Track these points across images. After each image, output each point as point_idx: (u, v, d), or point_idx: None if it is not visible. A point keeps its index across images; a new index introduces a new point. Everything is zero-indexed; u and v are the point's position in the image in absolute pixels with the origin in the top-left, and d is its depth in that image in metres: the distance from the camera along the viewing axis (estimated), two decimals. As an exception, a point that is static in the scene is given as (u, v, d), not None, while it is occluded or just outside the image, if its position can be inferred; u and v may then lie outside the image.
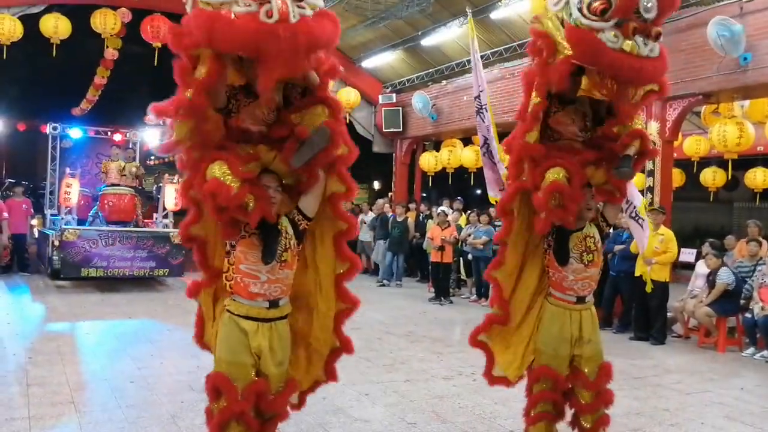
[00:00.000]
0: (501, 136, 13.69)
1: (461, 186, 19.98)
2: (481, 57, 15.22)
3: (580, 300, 4.48)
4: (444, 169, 18.13)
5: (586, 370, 4.42)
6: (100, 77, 19.15)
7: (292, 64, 3.13)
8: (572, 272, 4.40)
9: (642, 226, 7.91)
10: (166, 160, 29.77)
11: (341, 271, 3.90)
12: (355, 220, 3.97)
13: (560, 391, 4.49)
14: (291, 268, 3.60)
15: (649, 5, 3.73)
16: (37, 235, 15.19)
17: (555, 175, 4.07)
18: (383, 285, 14.44)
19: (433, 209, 14.94)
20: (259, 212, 3.33)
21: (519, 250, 4.54)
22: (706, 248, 10.00)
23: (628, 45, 3.71)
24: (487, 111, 9.83)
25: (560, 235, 4.34)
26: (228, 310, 3.58)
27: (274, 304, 3.57)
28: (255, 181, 3.40)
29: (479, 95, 10.40)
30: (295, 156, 3.35)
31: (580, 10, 3.81)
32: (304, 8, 3.09)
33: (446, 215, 13.03)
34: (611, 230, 4.62)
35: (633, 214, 7.92)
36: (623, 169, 4.20)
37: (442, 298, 12.48)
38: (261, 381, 3.54)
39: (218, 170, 3.24)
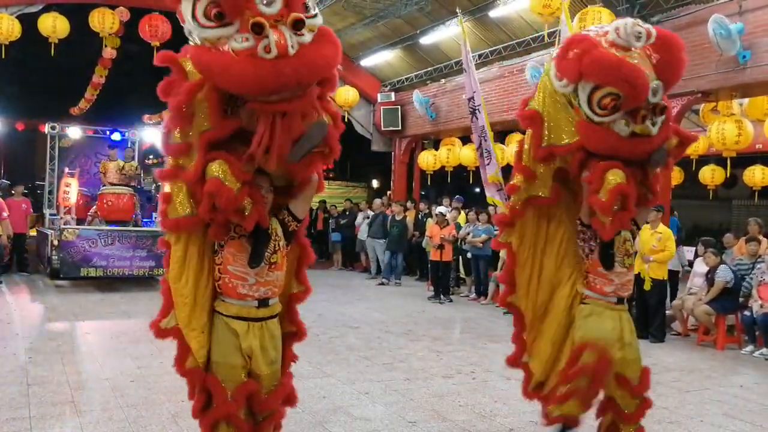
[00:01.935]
0: (497, 135, 13.83)
1: (460, 184, 19.99)
2: (480, 55, 15.35)
3: (620, 301, 4.47)
4: (443, 167, 18.12)
5: (629, 375, 4.31)
6: (99, 76, 19.15)
7: (296, 100, 3.03)
8: (617, 276, 4.36)
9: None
10: (164, 159, 29.92)
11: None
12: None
13: (602, 379, 4.29)
14: (281, 269, 3.56)
15: (656, 90, 3.77)
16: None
17: (617, 177, 3.91)
18: (382, 284, 14.44)
19: (433, 208, 14.94)
20: (255, 216, 3.27)
21: (527, 271, 4.54)
22: (701, 248, 10.02)
23: (638, 128, 3.82)
24: (481, 111, 9.86)
25: (604, 240, 4.23)
26: (217, 311, 3.52)
27: (263, 303, 3.52)
28: (252, 184, 3.31)
29: (473, 96, 10.43)
30: (292, 150, 3.22)
31: (590, 107, 3.87)
32: (302, 35, 2.96)
33: (444, 216, 13.03)
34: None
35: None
36: (656, 156, 4.09)
37: (442, 297, 12.48)
38: (251, 382, 3.49)
39: (218, 170, 3.12)
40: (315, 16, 3.07)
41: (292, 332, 3.87)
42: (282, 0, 2.96)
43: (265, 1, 2.94)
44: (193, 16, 3.01)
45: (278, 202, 3.58)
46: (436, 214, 13.12)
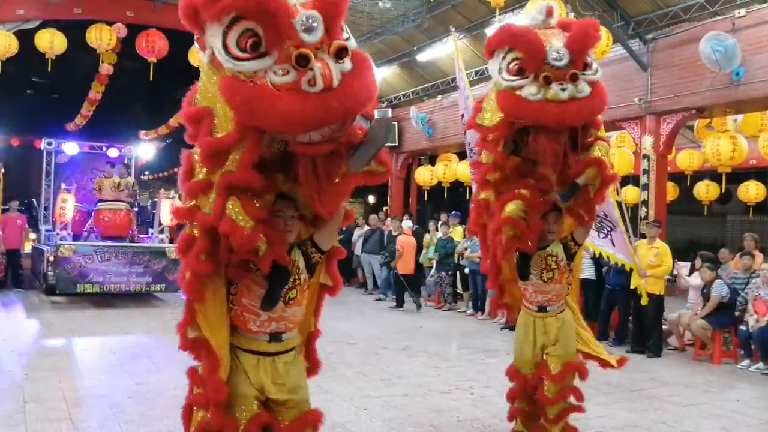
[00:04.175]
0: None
1: (457, 200, 20.07)
2: (476, 72, 15.43)
3: (541, 308, 4.88)
4: (440, 183, 18.19)
5: (551, 366, 4.81)
6: (95, 92, 19.17)
7: (338, 136, 2.80)
8: (532, 286, 4.83)
9: (618, 240, 8.19)
10: (161, 175, 29.91)
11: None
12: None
13: (526, 391, 4.95)
14: (299, 304, 3.34)
15: (557, 54, 4.11)
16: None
17: (513, 207, 4.47)
18: (379, 299, 14.43)
19: (430, 223, 15.01)
20: (271, 257, 3.01)
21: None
22: (698, 262, 10.06)
23: (549, 94, 4.08)
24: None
25: (522, 254, 4.69)
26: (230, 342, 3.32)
27: (275, 337, 3.32)
28: (270, 220, 3.05)
29: (464, 114, 10.50)
30: (354, 158, 2.90)
31: (500, 74, 4.32)
32: (343, 62, 2.66)
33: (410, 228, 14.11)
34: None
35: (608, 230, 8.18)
36: (564, 195, 4.62)
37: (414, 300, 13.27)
38: (264, 414, 3.31)
39: (230, 209, 2.85)
40: (349, 38, 2.80)
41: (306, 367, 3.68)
42: (323, 26, 2.64)
43: (306, 28, 2.60)
44: (225, 47, 2.65)
45: (301, 231, 3.36)
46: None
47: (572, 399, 4.92)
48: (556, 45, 4.13)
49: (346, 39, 2.75)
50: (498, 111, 4.50)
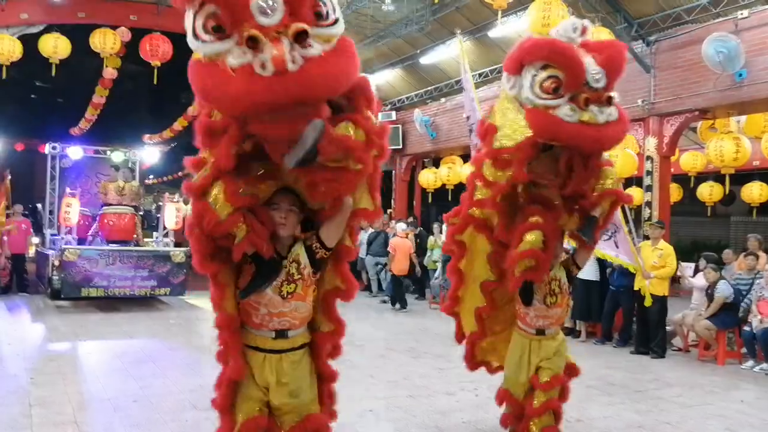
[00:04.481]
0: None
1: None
2: (480, 74, 15.45)
3: (540, 332, 4.78)
4: (444, 185, 18.21)
5: (540, 376, 4.72)
6: (99, 96, 19.19)
7: (293, 122, 2.71)
8: (534, 311, 4.72)
9: (621, 242, 8.20)
10: (165, 179, 29.96)
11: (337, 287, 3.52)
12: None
13: (518, 415, 4.85)
14: (302, 299, 3.25)
15: (597, 76, 3.94)
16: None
17: (533, 238, 4.28)
18: (384, 302, 14.44)
19: (434, 226, 15.05)
20: (245, 246, 3.01)
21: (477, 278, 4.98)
22: (702, 262, 10.05)
23: (585, 116, 3.90)
24: None
25: (528, 282, 4.54)
26: None
27: (281, 334, 3.27)
28: (259, 210, 3.07)
29: (470, 116, 10.51)
30: (287, 156, 2.82)
31: (533, 90, 4.05)
32: (308, 47, 2.58)
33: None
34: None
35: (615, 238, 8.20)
36: (586, 233, 4.55)
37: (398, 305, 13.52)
38: (262, 418, 3.29)
39: (212, 193, 2.93)
40: (333, 24, 2.73)
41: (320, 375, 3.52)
42: (284, 8, 2.60)
43: (263, 11, 2.57)
44: (193, 31, 2.69)
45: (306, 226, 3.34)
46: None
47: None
48: (592, 66, 3.97)
49: (331, 23, 2.73)
50: (519, 129, 4.26)
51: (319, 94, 2.67)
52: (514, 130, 4.33)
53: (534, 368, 4.75)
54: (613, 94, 4.03)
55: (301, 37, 2.55)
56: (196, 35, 2.69)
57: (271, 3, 2.58)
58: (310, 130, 2.75)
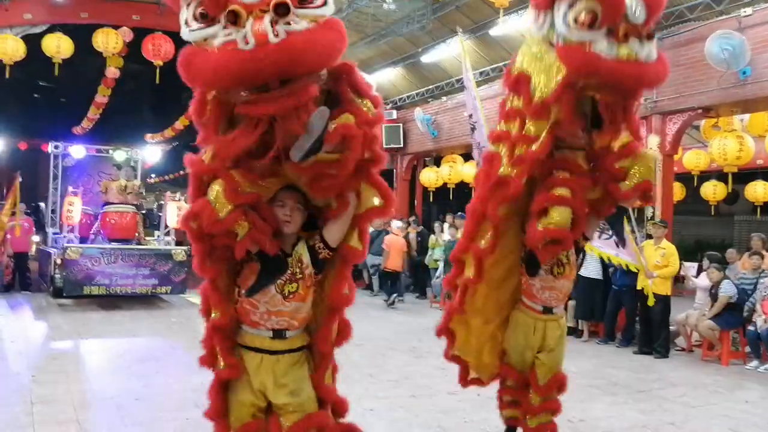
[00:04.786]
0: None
1: (462, 201, 19.97)
2: (481, 73, 15.42)
3: (547, 310, 4.59)
4: (445, 184, 18.19)
5: (539, 375, 4.57)
6: (102, 96, 19.24)
7: (284, 98, 2.69)
8: (540, 282, 4.50)
9: (626, 244, 8.15)
10: (167, 177, 29.97)
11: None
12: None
13: (524, 385, 4.69)
14: (303, 300, 3.18)
15: (636, 9, 3.56)
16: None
17: (560, 217, 3.96)
18: (386, 301, 14.42)
19: (435, 224, 15.05)
20: (247, 243, 2.98)
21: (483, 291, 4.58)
22: (706, 262, 10.03)
23: (624, 52, 3.54)
24: (483, 126, 9.87)
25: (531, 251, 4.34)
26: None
27: (278, 334, 3.19)
28: (262, 207, 3.02)
29: (472, 114, 10.49)
30: (294, 148, 2.79)
31: (567, 26, 3.67)
32: (291, 23, 2.58)
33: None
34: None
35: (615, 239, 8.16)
36: (614, 224, 4.27)
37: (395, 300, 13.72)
38: (254, 423, 3.23)
39: (212, 191, 2.91)
40: (322, 5, 2.73)
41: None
42: None
43: None
44: (185, 23, 2.77)
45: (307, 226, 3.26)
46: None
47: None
48: None
49: (320, 5, 2.71)
50: (555, 72, 3.85)
51: (304, 64, 2.63)
52: (549, 76, 3.92)
53: (537, 350, 4.58)
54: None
55: (281, 9, 2.54)
56: (187, 26, 2.77)
57: None
58: (316, 118, 2.74)
